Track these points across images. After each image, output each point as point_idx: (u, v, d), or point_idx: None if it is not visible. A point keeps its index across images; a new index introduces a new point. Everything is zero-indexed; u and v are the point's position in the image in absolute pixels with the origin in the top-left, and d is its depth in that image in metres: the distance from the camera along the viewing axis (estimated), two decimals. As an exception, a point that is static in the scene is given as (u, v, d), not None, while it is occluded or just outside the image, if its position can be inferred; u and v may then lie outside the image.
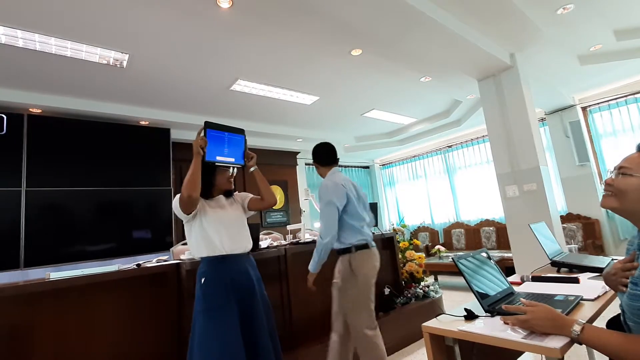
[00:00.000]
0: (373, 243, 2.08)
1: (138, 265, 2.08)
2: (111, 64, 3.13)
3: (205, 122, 1.68)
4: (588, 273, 1.64)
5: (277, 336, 1.74)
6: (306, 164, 7.19)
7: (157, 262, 2.22)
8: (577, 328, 0.89)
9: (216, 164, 1.70)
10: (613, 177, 0.95)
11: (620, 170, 0.93)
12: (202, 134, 1.64)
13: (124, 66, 3.20)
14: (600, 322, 1.26)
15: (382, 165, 8.56)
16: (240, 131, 1.84)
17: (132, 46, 2.92)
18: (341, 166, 7.87)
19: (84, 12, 2.45)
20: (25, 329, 1.70)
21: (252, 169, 1.85)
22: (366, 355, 1.91)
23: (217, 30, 2.81)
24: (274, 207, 5.97)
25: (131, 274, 1.97)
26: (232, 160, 1.77)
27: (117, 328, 1.93)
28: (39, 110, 3.68)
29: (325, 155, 2.18)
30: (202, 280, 1.60)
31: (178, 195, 1.65)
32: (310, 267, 2.01)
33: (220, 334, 1.49)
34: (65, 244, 3.62)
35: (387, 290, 3.12)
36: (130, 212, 4.09)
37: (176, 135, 4.71)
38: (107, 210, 3.94)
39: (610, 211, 5.09)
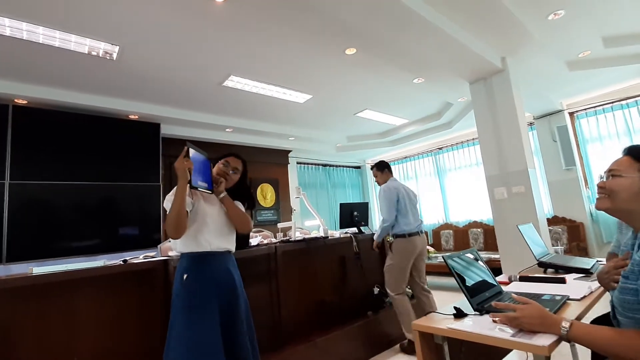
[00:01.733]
0: (417, 232, 2.91)
1: (124, 261, 2.04)
2: (101, 55, 3.07)
3: (188, 143, 1.57)
4: (574, 274, 1.67)
5: (255, 337, 1.70)
6: (298, 163, 7.17)
7: (144, 259, 2.18)
8: (565, 324, 0.91)
9: (199, 189, 1.60)
10: (604, 179, 1.01)
11: (611, 172, 1.00)
12: (185, 155, 1.51)
13: (114, 58, 3.13)
14: (586, 322, 1.29)
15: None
16: (207, 156, 1.74)
17: (123, 38, 2.86)
18: (332, 166, 7.88)
19: (73, 2, 2.39)
20: (7, 324, 1.65)
21: (221, 195, 1.70)
22: (397, 309, 2.81)
23: (210, 25, 2.77)
24: (265, 206, 5.96)
25: (117, 270, 1.93)
26: (205, 185, 1.65)
27: (102, 325, 1.89)
28: (25, 101, 3.58)
29: (386, 168, 3.15)
30: (185, 276, 1.56)
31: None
32: (376, 238, 3.03)
33: (200, 332, 1.46)
34: (49, 239, 3.53)
35: (376, 290, 3.13)
36: (118, 208, 4.01)
37: (166, 130, 4.65)
38: (93, 205, 3.85)
39: (593, 215, 5.19)
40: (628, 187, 0.95)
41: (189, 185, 1.50)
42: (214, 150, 5.22)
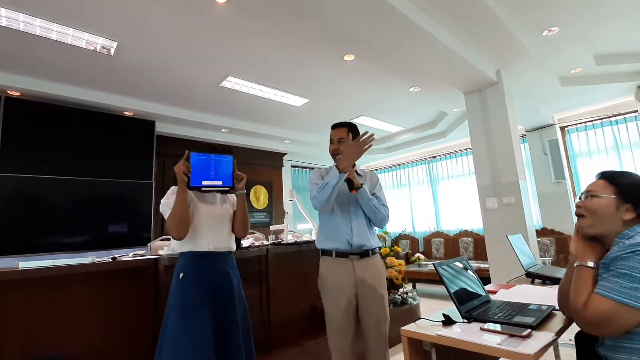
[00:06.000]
0: (349, 253, 1.71)
1: (113, 258, 2.01)
2: (98, 50, 3.04)
3: (188, 150, 1.63)
4: (560, 285, 1.70)
5: (252, 339, 1.69)
6: (292, 166, 7.17)
7: (134, 257, 2.16)
8: (590, 264, 1.05)
9: (202, 189, 1.63)
10: (583, 199, 1.13)
11: (589, 193, 1.11)
12: (185, 159, 1.58)
13: (112, 54, 3.11)
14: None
15: (367, 171, 8.63)
16: (228, 152, 1.77)
17: (122, 34, 2.85)
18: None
19: (73, -5, 2.38)
20: (-11, 319, 1.62)
21: (240, 192, 1.72)
22: None
23: (211, 25, 2.78)
24: (258, 208, 5.95)
25: (106, 267, 1.91)
26: (220, 183, 1.68)
27: (89, 323, 1.86)
28: (18, 93, 3.53)
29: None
30: (181, 275, 1.56)
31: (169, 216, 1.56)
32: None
33: (193, 332, 1.46)
34: (37, 234, 3.47)
35: (366, 295, 3.13)
36: (108, 205, 3.96)
37: (161, 128, 4.62)
38: (83, 201, 3.80)
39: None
40: (605, 206, 1.06)
41: (187, 187, 1.56)
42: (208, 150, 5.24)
